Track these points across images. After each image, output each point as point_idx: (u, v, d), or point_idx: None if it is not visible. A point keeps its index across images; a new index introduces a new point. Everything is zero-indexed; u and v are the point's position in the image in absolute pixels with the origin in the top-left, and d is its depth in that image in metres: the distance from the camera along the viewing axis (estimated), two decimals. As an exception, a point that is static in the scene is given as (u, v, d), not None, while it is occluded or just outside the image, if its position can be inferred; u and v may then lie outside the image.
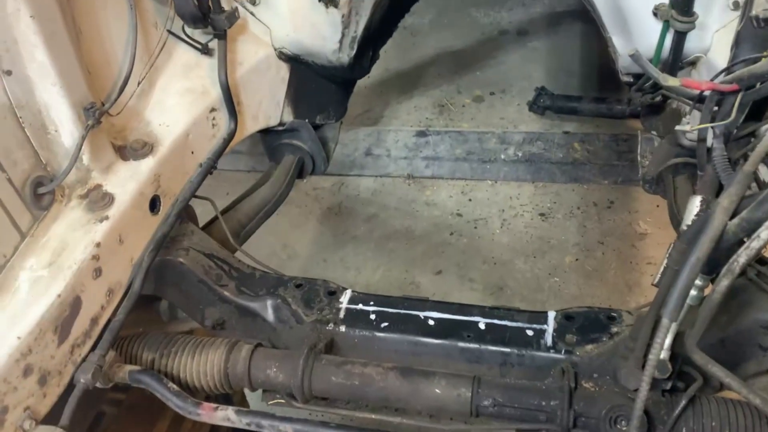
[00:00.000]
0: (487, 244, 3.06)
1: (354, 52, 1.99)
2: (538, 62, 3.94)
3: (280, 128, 2.10)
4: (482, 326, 1.46)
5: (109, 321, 1.40)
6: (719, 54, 1.57)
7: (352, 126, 3.62)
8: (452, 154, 3.47)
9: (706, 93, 1.30)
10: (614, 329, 1.41)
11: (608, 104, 3.22)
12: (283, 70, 2.02)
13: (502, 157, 3.41)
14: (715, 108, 1.30)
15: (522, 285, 2.87)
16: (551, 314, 1.46)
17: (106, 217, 1.41)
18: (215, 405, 1.37)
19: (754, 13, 1.14)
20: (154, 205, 1.55)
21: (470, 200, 3.28)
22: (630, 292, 2.76)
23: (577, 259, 2.93)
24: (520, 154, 3.40)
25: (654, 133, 1.97)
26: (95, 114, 1.41)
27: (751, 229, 1.03)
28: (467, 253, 3.03)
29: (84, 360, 1.32)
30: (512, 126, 3.57)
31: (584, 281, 2.84)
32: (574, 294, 2.79)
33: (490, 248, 3.04)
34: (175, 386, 1.39)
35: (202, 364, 1.44)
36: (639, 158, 1.96)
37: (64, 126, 1.38)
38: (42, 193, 1.36)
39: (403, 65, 4.06)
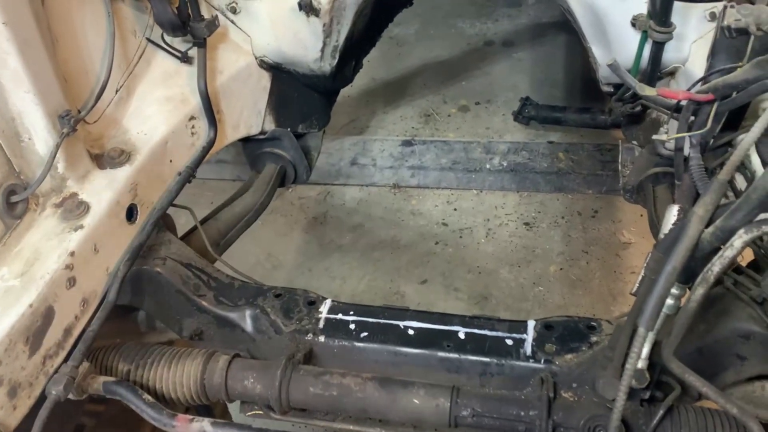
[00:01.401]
0: (472, 254, 3.06)
1: (336, 61, 1.99)
2: (523, 73, 3.96)
3: (262, 137, 2.09)
4: (462, 336, 1.45)
5: (83, 331, 1.37)
6: (697, 64, 1.59)
7: (337, 135, 3.62)
8: (438, 163, 3.48)
9: (683, 102, 1.31)
10: (594, 338, 1.40)
11: (592, 114, 3.24)
12: (265, 79, 2.01)
13: (488, 166, 3.42)
14: (692, 117, 1.30)
15: (506, 294, 2.87)
16: (531, 323, 1.45)
17: (81, 226, 1.39)
18: (191, 417, 1.35)
19: (725, 23, 1.15)
20: (131, 214, 1.53)
21: (455, 209, 3.28)
22: (614, 302, 2.77)
23: (561, 269, 2.93)
24: (505, 164, 3.41)
25: (634, 142, 1.98)
26: (70, 122, 1.40)
27: (725, 237, 1.03)
28: (452, 262, 3.03)
29: (56, 371, 1.30)
30: (497, 136, 3.58)
31: (569, 290, 2.84)
32: (559, 303, 2.79)
33: (475, 257, 3.04)
34: (150, 398, 1.36)
35: (179, 375, 1.42)
36: (620, 168, 1.97)
37: (38, 134, 1.36)
38: (15, 201, 1.34)
39: (389, 75, 4.07)
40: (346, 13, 1.88)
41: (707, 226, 1.07)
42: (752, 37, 1.22)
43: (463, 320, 1.48)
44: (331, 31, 1.89)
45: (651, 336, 1.14)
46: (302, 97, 2.15)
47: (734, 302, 1.27)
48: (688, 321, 1.10)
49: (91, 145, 1.53)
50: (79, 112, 1.47)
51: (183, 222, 1.84)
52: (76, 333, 1.37)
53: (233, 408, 1.90)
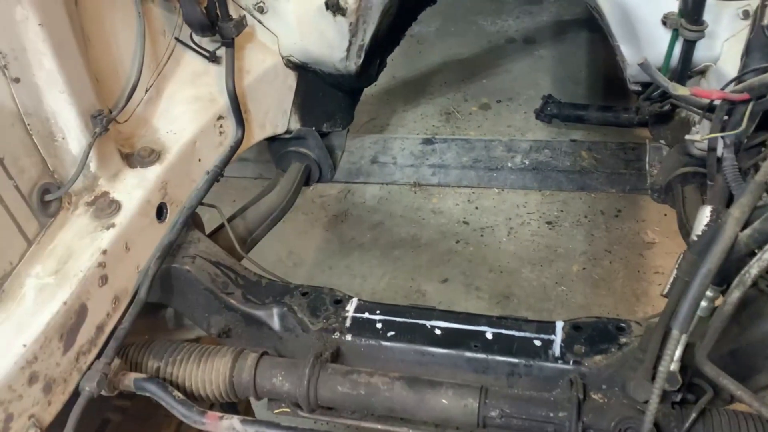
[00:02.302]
0: (493, 253, 3.05)
1: (361, 60, 1.99)
2: (545, 70, 3.93)
3: (287, 136, 2.10)
4: (489, 336, 1.44)
5: (114, 328, 1.39)
6: (729, 63, 1.57)
7: (358, 134, 3.62)
8: (459, 161, 3.46)
9: (717, 102, 1.29)
10: (623, 340, 1.39)
11: (615, 112, 3.20)
12: (291, 78, 2.02)
13: (509, 165, 3.39)
14: (725, 117, 1.29)
15: (529, 294, 2.86)
16: (559, 324, 1.45)
17: (113, 225, 1.41)
18: (220, 414, 1.36)
19: (766, 22, 1.13)
20: (160, 212, 1.55)
21: (477, 208, 3.27)
22: (638, 302, 2.74)
23: (584, 268, 2.91)
24: (527, 162, 3.38)
25: (662, 142, 1.96)
26: (103, 121, 1.41)
27: (763, 240, 1.02)
28: (473, 261, 3.02)
29: (89, 368, 1.32)
30: (519, 134, 3.56)
31: (591, 290, 2.82)
32: (581, 303, 2.77)
33: (496, 256, 3.03)
34: (180, 395, 1.38)
35: (208, 372, 1.43)
36: (647, 167, 1.95)
37: (72, 133, 1.38)
38: (49, 200, 1.36)
39: (409, 73, 4.06)
40: (372, 13, 1.89)
41: (743, 228, 1.06)
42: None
43: (490, 320, 1.48)
44: (357, 30, 1.89)
45: (684, 338, 1.13)
46: (327, 96, 2.16)
47: (768, 305, 1.25)
48: (723, 324, 1.09)
49: (122, 144, 1.55)
50: (111, 111, 1.49)
51: (207, 218, 1.85)
52: (108, 330, 1.39)
53: (256, 406, 1.92)
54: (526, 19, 4.35)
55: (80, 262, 1.33)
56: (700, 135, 1.53)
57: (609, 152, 3.28)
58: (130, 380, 1.37)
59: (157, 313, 1.68)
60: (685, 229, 1.75)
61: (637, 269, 2.87)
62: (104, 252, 1.37)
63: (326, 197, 3.45)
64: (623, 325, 1.42)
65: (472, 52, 4.17)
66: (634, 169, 3.15)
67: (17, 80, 1.28)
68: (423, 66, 4.11)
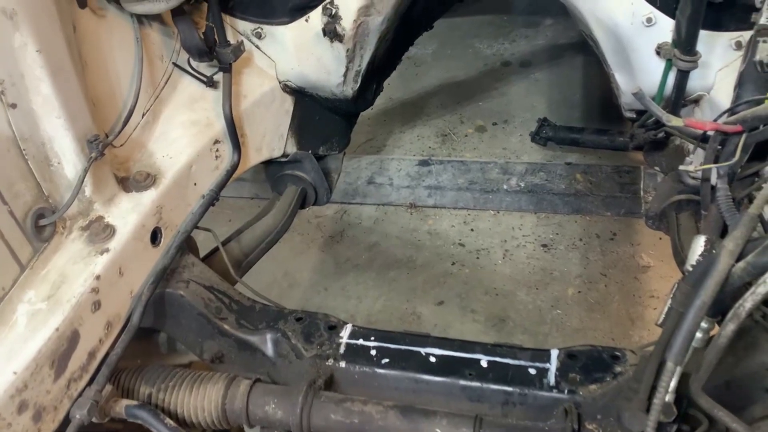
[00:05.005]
0: (489, 275, 3.04)
1: (358, 85, 2.01)
2: (541, 93, 3.96)
3: (284, 159, 2.11)
4: (484, 364, 1.43)
5: (106, 354, 1.38)
6: (722, 92, 1.58)
7: (355, 154, 3.64)
8: (455, 183, 3.48)
9: (710, 133, 1.30)
10: (618, 369, 1.39)
11: (610, 136, 3.23)
12: (288, 103, 2.03)
13: (505, 187, 3.41)
14: (718, 148, 1.30)
15: (524, 317, 2.85)
16: (554, 352, 1.44)
17: (107, 250, 1.41)
18: (212, 442, 1.35)
19: (758, 58, 1.14)
20: (155, 236, 1.54)
21: (472, 230, 3.27)
22: (633, 326, 2.74)
23: (579, 291, 2.91)
24: (522, 185, 3.40)
25: (657, 168, 1.97)
26: (99, 146, 1.41)
27: (757, 273, 1.02)
28: (469, 283, 3.02)
29: (80, 395, 1.30)
30: (515, 156, 3.58)
31: (587, 314, 2.81)
32: (577, 327, 2.76)
33: (492, 279, 3.02)
34: (171, 422, 1.36)
35: (200, 399, 1.42)
36: (642, 194, 1.96)
37: (68, 158, 1.38)
38: (43, 225, 1.36)
39: (406, 95, 4.09)
40: (369, 39, 1.90)
41: (738, 260, 1.07)
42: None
43: (485, 348, 1.47)
44: (354, 56, 1.91)
45: (679, 370, 1.13)
46: (323, 120, 2.17)
47: (763, 335, 1.25)
48: (718, 356, 1.09)
49: (118, 168, 1.55)
50: (107, 136, 1.49)
51: (201, 239, 1.85)
52: (100, 356, 1.38)
53: None
54: (522, 42, 4.39)
55: (73, 287, 1.33)
56: (693, 165, 1.54)
57: (604, 175, 3.31)
58: (121, 407, 1.36)
59: (149, 338, 1.67)
60: (679, 256, 1.75)
61: (633, 293, 2.87)
62: (98, 277, 1.36)
63: (322, 218, 3.45)
64: (618, 354, 1.41)
65: (468, 74, 4.20)
66: (629, 192, 3.17)
67: (14, 106, 1.28)
68: (420, 88, 4.14)
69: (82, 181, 1.39)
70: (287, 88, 2.00)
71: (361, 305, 3.01)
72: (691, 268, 1.19)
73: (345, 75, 1.95)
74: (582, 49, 4.03)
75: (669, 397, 1.16)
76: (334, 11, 1.80)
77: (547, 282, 2.97)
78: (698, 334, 1.13)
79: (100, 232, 1.42)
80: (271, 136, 1.99)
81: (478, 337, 2.61)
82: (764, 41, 1.14)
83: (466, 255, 3.15)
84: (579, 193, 3.28)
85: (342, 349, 1.49)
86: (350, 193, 3.52)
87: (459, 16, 4.30)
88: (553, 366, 1.41)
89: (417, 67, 4.27)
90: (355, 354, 1.48)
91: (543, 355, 1.44)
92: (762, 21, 1.36)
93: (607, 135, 3.25)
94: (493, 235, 3.22)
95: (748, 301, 1.02)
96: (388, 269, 3.15)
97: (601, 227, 3.16)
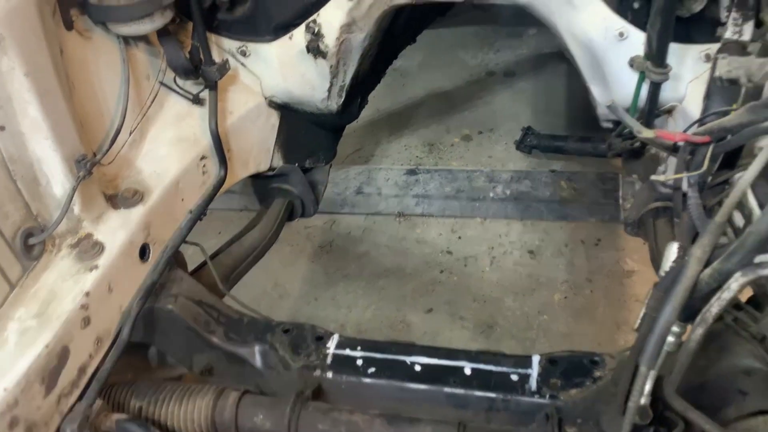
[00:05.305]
0: (476, 282, 3.08)
1: (342, 99, 2.04)
2: (525, 102, 4.01)
3: (270, 173, 2.14)
4: (468, 371, 1.47)
5: (96, 370, 1.40)
6: (693, 103, 1.63)
7: (343, 165, 3.67)
8: (442, 192, 3.52)
9: (680, 143, 1.35)
10: (597, 373, 1.42)
11: (593, 143, 3.25)
12: (273, 118, 2.06)
13: (491, 195, 3.46)
14: (688, 157, 1.34)
15: (512, 323, 2.88)
16: (535, 358, 1.48)
17: (96, 266, 1.43)
18: (202, 454, 1.38)
19: (717, 74, 1.19)
20: (143, 252, 1.57)
21: (460, 238, 3.31)
22: (619, 330, 2.78)
23: (566, 297, 2.95)
24: (508, 192, 3.44)
25: (635, 176, 2.01)
26: (87, 165, 1.44)
27: (723, 279, 1.06)
28: (457, 290, 3.05)
29: (71, 410, 1.33)
30: (500, 165, 3.62)
31: (573, 319, 2.85)
32: (564, 332, 2.80)
33: (479, 286, 3.06)
34: (161, 435, 1.39)
35: (189, 411, 1.44)
36: (621, 201, 2.00)
37: (56, 178, 1.41)
38: (32, 244, 1.38)
39: (393, 105, 4.13)
40: (352, 55, 1.94)
41: (706, 266, 1.11)
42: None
43: (469, 355, 1.51)
44: (337, 71, 1.94)
45: (653, 373, 1.17)
46: (309, 134, 2.20)
47: (734, 338, 1.29)
48: (689, 359, 1.13)
49: (106, 186, 1.58)
50: (95, 155, 1.52)
51: (190, 253, 1.87)
52: (89, 371, 1.40)
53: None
54: (506, 52, 4.45)
55: (63, 304, 1.35)
56: (665, 174, 1.58)
57: (588, 182, 3.36)
58: (111, 421, 1.38)
59: (140, 352, 1.69)
60: (657, 262, 1.79)
61: (618, 298, 2.91)
62: (87, 294, 1.39)
63: (312, 228, 3.48)
64: (597, 358, 1.45)
65: (454, 84, 4.25)
66: (613, 198, 3.21)
67: (2, 128, 1.30)
68: (406, 98, 4.18)
69: (71, 200, 1.42)
70: (273, 104, 2.04)
71: (351, 314, 3.03)
72: (663, 275, 1.23)
73: (329, 90, 1.98)
74: (565, 59, 4.07)
75: (644, 400, 1.19)
76: (317, 29, 1.84)
77: (533, 288, 3.01)
78: (671, 339, 1.17)
79: (89, 249, 1.45)
80: (257, 150, 2.02)
81: (467, 344, 2.65)
82: (723, 58, 1.18)
83: (454, 262, 3.19)
84: (564, 199, 3.33)
85: (329, 360, 1.52)
86: (339, 203, 3.55)
87: (444, 27, 4.35)
88: (534, 372, 1.45)
89: (403, 78, 4.31)
90: (341, 364, 1.51)
91: (525, 361, 1.47)
92: (727, 35, 1.41)
93: (590, 142, 3.28)
94: (481, 242, 3.26)
95: (714, 306, 1.07)
96: (378, 278, 3.18)
97: (586, 233, 3.21)
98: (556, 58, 4.17)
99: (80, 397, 1.35)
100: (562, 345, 2.74)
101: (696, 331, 1.10)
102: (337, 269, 3.27)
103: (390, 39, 2.18)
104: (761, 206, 1.18)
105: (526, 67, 4.29)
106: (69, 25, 1.52)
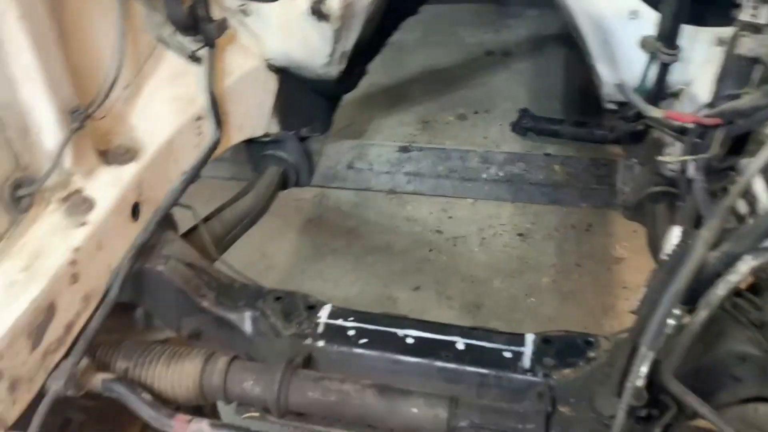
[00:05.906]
0: (465, 262, 3.08)
1: (343, 66, 2.00)
2: (522, 84, 3.99)
3: (266, 139, 2.09)
4: (461, 346, 1.46)
5: (84, 328, 1.37)
6: (701, 86, 1.60)
7: (335, 139, 3.63)
8: (434, 171, 3.50)
9: (689, 125, 1.33)
10: (591, 354, 1.42)
11: (589, 128, 3.26)
12: (272, 82, 2.01)
13: (484, 176, 3.44)
14: (697, 140, 1.33)
15: (499, 304, 2.89)
16: (529, 337, 1.47)
17: (86, 223, 1.39)
18: (189, 417, 1.35)
19: (738, 52, 1.17)
20: (135, 211, 1.52)
21: (450, 217, 3.30)
22: (605, 316, 2.79)
23: (554, 281, 2.96)
24: (501, 174, 3.44)
25: (635, 160, 2.00)
26: (80, 118, 1.39)
27: (730, 262, 1.05)
28: (446, 270, 3.05)
29: (56, 367, 1.29)
30: (494, 146, 3.61)
31: (560, 303, 2.86)
32: (550, 315, 2.81)
33: (468, 266, 3.06)
34: (148, 396, 1.37)
35: (177, 374, 1.42)
36: (619, 185, 1.99)
37: (47, 129, 1.35)
38: (21, 195, 1.33)
39: (388, 81, 4.08)
40: (355, 20, 1.89)
41: (712, 249, 1.10)
42: (757, 66, 1.24)
43: (462, 331, 1.49)
44: (340, 36, 1.90)
45: (652, 355, 1.16)
46: (307, 101, 2.16)
47: (733, 324, 1.29)
48: (690, 343, 1.12)
49: (98, 141, 1.53)
50: (88, 107, 1.46)
51: (180, 217, 1.83)
52: (76, 329, 1.36)
53: (223, 409, 1.90)
54: (505, 32, 4.41)
55: (51, 259, 1.31)
56: (671, 157, 1.57)
57: (581, 167, 3.36)
58: (98, 380, 1.35)
59: (127, 312, 1.66)
60: (655, 247, 1.79)
61: (605, 283, 2.93)
62: (76, 250, 1.34)
63: (301, 201, 3.44)
64: (591, 339, 1.44)
65: (451, 62, 4.21)
66: (606, 184, 3.22)
67: (-7, 73, 1.25)
68: (402, 74, 4.14)
69: (62, 152, 1.37)
70: (272, 67, 1.98)
71: (338, 289, 3.02)
72: (666, 257, 1.22)
73: (331, 55, 1.94)
74: (564, 41, 4.06)
75: (641, 382, 1.19)
76: (321, -10, 1.79)
77: (522, 270, 3.01)
78: (671, 321, 1.16)
79: (79, 204, 1.40)
80: (254, 114, 1.97)
81: (453, 323, 2.65)
82: (744, 36, 1.16)
83: (443, 242, 3.18)
84: (556, 183, 3.33)
85: (320, 329, 1.50)
86: (330, 177, 3.52)
87: (444, 4, 4.30)
88: (528, 350, 1.44)
89: (400, 53, 4.26)
90: (333, 334, 1.49)
91: (518, 339, 1.46)
92: (742, 17, 1.39)
93: (586, 127, 3.28)
94: (471, 223, 3.25)
95: (720, 289, 1.06)
96: (366, 254, 3.17)
97: (577, 218, 3.21)
98: (555, 40, 4.14)
99: (66, 355, 1.32)
100: (548, 327, 2.73)
101: (699, 314, 1.09)
102: (325, 243, 3.25)
103: (393, 7, 2.14)
104: (771, 191, 1.17)
105: (525, 48, 4.26)
106: (65, -29, 1.45)
